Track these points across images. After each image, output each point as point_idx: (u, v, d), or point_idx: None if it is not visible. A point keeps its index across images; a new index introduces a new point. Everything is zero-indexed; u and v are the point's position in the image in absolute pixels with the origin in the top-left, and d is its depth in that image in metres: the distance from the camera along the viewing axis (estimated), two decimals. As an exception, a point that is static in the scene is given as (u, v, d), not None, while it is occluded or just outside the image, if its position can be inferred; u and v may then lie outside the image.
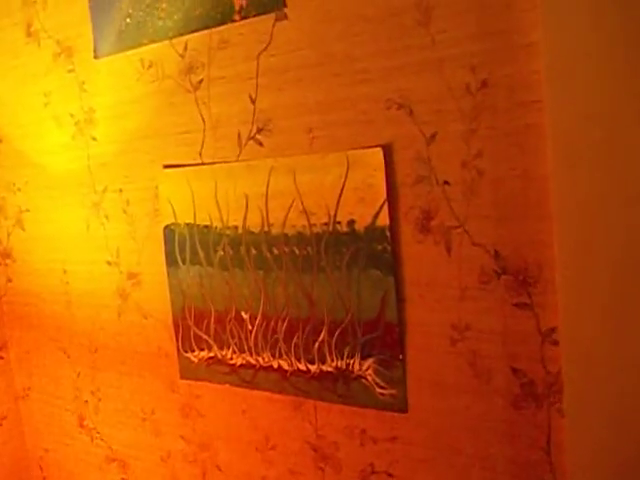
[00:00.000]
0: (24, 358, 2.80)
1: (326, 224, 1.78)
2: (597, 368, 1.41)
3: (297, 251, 1.85)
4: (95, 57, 2.23)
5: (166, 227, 2.14)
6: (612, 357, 1.39)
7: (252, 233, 1.93)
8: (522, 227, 1.51)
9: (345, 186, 1.74)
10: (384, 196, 1.68)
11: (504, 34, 1.46)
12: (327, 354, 1.85)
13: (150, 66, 2.10)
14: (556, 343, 1.50)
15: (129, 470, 2.51)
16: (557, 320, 1.48)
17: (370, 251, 1.72)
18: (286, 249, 1.87)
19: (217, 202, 1.99)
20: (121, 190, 2.27)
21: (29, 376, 2.80)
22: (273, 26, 1.81)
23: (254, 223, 1.92)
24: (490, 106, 1.51)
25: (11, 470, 2.86)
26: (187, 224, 2.08)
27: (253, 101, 1.89)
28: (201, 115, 2.00)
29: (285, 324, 1.92)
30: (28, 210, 2.61)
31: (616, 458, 1.42)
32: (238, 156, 1.94)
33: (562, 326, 1.46)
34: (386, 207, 1.68)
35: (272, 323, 1.94)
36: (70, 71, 2.33)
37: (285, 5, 1.78)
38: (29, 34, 2.41)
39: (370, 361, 1.77)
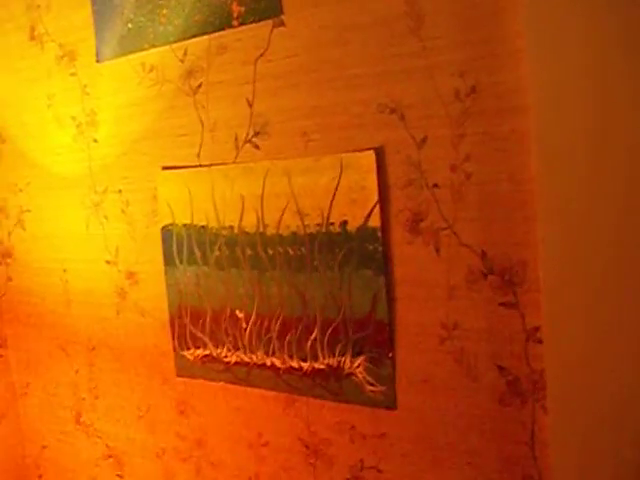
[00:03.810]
0: (23, 356, 2.84)
1: (319, 225, 1.83)
2: (580, 366, 1.45)
3: (291, 251, 1.90)
4: (97, 61, 2.28)
5: (164, 227, 2.19)
6: (594, 355, 1.43)
7: (247, 233, 1.98)
8: (508, 228, 1.56)
9: (338, 188, 1.79)
10: (376, 198, 1.72)
11: (492, 41, 1.52)
12: (319, 352, 1.89)
13: (151, 70, 2.14)
14: (540, 341, 1.54)
15: (125, 467, 2.55)
16: (541, 319, 1.52)
17: (362, 251, 1.77)
18: (280, 249, 1.92)
19: (214, 203, 2.04)
20: (121, 191, 2.32)
21: (28, 374, 2.84)
22: (270, 32, 1.86)
23: (250, 224, 1.97)
24: (478, 111, 1.56)
25: (8, 467, 2.89)
26: (184, 224, 2.12)
27: (250, 105, 1.94)
28: (200, 118, 2.05)
29: (279, 323, 1.96)
30: (29, 210, 2.66)
31: (598, 453, 1.45)
32: (235, 158, 1.99)
33: (545, 325, 1.51)
34: (378, 209, 1.73)
35: (266, 322, 1.99)
36: (73, 74, 2.38)
37: (282, 12, 1.83)
38: (33, 37, 2.46)
39: (361, 359, 1.82)
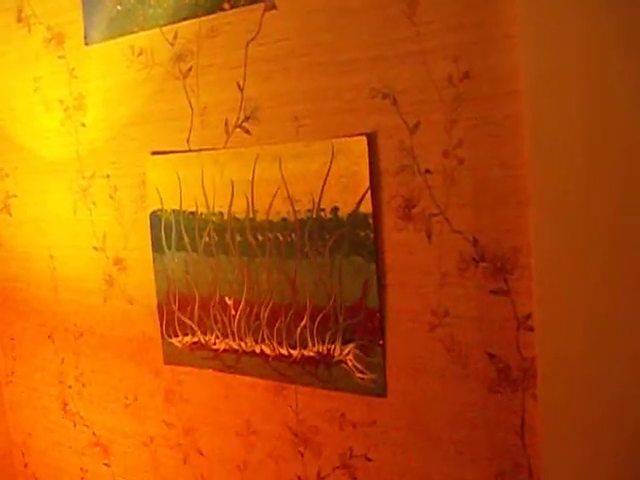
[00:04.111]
0: (8, 343, 2.82)
1: (310, 211, 1.82)
2: (571, 354, 1.44)
3: (281, 237, 1.88)
4: (86, 44, 2.25)
5: (152, 213, 2.16)
6: (586, 343, 1.42)
7: (237, 219, 1.96)
8: (500, 215, 1.54)
9: (329, 174, 1.77)
10: (367, 184, 1.71)
11: (486, 26, 1.50)
12: (309, 339, 1.88)
13: (140, 54, 2.12)
14: (531, 329, 1.53)
15: (112, 455, 2.53)
16: (533, 306, 1.51)
17: (353, 238, 1.76)
18: (270, 235, 1.90)
19: (203, 189, 2.02)
20: (109, 176, 2.30)
21: (13, 361, 2.82)
22: (262, 16, 1.84)
23: (239, 209, 1.95)
24: (471, 97, 1.55)
25: (-6, 455, 2.88)
26: (173, 210, 2.10)
27: (241, 89, 1.92)
28: (189, 103, 2.03)
29: (268, 309, 1.95)
30: (15, 195, 2.63)
31: (588, 442, 1.45)
32: (225, 143, 1.97)
33: (537, 312, 1.49)
34: (369, 195, 1.71)
35: (255, 308, 1.97)
36: (60, 57, 2.35)
37: (274, -5, 1.81)
38: (20, 20, 2.43)
39: (351, 346, 1.81)
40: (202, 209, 2.03)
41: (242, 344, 2.02)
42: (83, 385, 2.57)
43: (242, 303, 2.00)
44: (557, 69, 1.37)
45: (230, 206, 1.97)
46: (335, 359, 1.84)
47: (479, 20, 1.51)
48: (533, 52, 1.40)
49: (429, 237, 1.65)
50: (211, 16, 1.93)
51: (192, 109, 2.03)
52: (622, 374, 1.39)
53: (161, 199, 2.13)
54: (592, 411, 1.43)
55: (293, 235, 1.86)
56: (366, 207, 1.72)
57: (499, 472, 1.63)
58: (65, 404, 2.66)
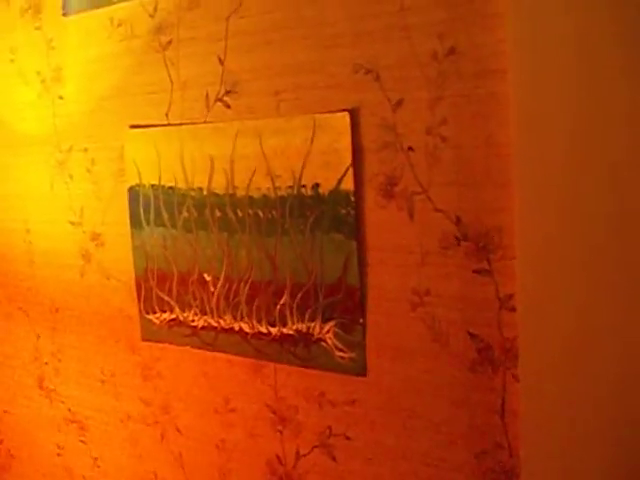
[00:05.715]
0: (-16, 318, 2.79)
1: (291, 187, 1.79)
2: (552, 335, 1.43)
3: (261, 214, 1.86)
4: (64, 14, 2.21)
5: (131, 188, 2.13)
6: (567, 324, 1.41)
7: (217, 195, 1.94)
8: (484, 194, 1.53)
9: (311, 150, 1.74)
10: (349, 161, 1.69)
11: (472, 2, 1.48)
12: (288, 317, 1.86)
13: (119, 25, 2.08)
14: (513, 309, 1.52)
15: (88, 432, 2.51)
16: (515, 287, 1.50)
17: (334, 215, 1.74)
18: (250, 212, 1.88)
19: (182, 163, 1.99)
20: (86, 149, 2.26)
21: (-12, 336, 2.79)
22: (244, -13, 1.81)
23: (219, 185, 1.93)
24: (456, 74, 1.53)
25: (-32, 431, 2.85)
26: (152, 185, 2.07)
27: (222, 63, 1.88)
28: (169, 76, 2.00)
29: (247, 286, 1.93)
30: (-9, 169, 2.59)
31: (567, 422, 1.44)
32: (205, 118, 1.94)
33: (519, 293, 1.48)
34: (351, 172, 1.69)
35: (234, 285, 1.95)
36: (37, 28, 2.30)
37: (256, -33, 1.78)
38: (-4, -11, 2.39)
39: (331, 324, 1.79)
40: (181, 184, 2.01)
41: (221, 321, 2.00)
42: (59, 361, 2.55)
43: (221, 280, 1.98)
44: (544, 48, 1.35)
45: (210, 181, 1.94)
46: (315, 337, 1.82)
47: (465, -4, 1.49)
48: (520, 30, 1.37)
49: (411, 215, 1.63)
50: (192, -13, 1.90)
51: (172, 82, 1.99)
52: (605, 356, 1.38)
53: (139, 173, 2.10)
54: (574, 392, 1.43)
55: (274, 212, 1.84)
56: (347, 184, 1.70)
57: (479, 452, 1.62)
58: (41, 380, 2.63)
